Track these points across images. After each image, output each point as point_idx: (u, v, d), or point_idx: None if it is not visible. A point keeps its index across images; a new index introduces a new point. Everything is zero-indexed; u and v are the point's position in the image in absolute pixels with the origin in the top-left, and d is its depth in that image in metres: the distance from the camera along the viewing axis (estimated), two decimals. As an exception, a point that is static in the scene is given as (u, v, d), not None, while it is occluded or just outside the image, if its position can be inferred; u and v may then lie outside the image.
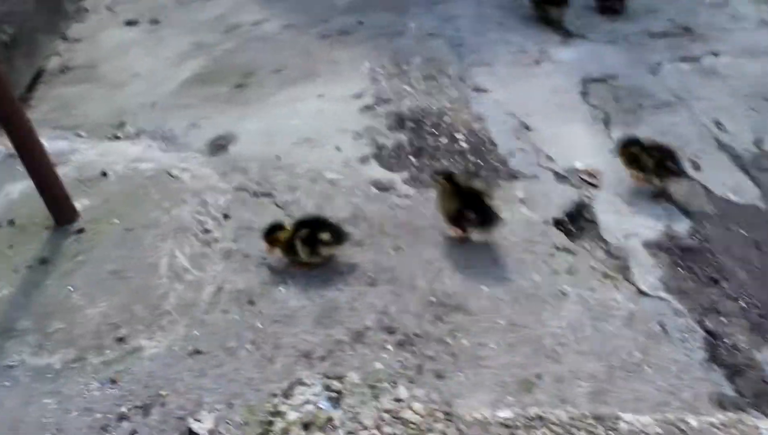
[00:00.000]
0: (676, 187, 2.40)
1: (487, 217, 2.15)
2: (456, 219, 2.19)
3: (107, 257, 2.28)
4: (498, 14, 3.43)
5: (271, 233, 2.16)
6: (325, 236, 2.09)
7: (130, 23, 3.51)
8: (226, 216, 2.36)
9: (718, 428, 1.63)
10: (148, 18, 3.52)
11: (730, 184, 2.50)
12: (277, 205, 2.39)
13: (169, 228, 2.34)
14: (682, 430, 1.64)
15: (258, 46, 3.28)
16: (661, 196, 2.41)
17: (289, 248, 2.13)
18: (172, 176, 2.56)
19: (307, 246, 2.10)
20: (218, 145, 2.76)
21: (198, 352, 1.95)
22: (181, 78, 3.13)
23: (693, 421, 1.65)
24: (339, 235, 2.11)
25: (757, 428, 1.62)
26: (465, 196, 2.17)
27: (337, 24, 3.39)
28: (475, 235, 2.20)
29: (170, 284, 2.15)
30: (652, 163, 2.37)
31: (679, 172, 2.38)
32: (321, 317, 2.02)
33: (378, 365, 1.89)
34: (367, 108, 2.88)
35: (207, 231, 2.32)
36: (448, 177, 2.22)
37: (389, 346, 1.94)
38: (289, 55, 3.21)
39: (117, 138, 2.82)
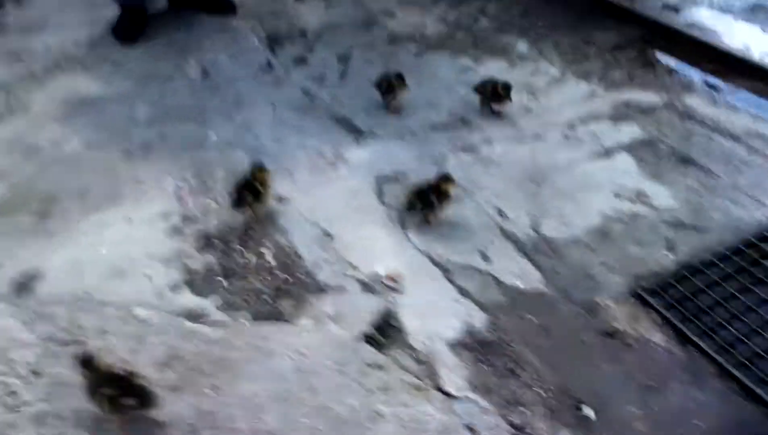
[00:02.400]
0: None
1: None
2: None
3: None
4: (294, 118, 3.36)
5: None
6: (128, 402, 1.90)
7: None
8: (35, 373, 2.11)
9: None
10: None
11: (517, 272, 2.58)
12: (88, 355, 2.15)
13: (-31, 395, 2.06)
14: None
15: (60, 169, 3.01)
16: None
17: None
18: (-30, 332, 2.27)
19: (112, 406, 1.90)
20: (22, 285, 2.48)
21: None
22: (-24, 211, 2.80)
23: None
24: (144, 400, 1.93)
25: None
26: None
27: (140, 138, 3.18)
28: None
29: (-24, 462, 1.88)
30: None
31: None
32: (143, 478, 1.84)
33: None
34: (175, 229, 2.71)
35: (13, 393, 2.05)
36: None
37: (215, 500, 1.79)
38: (93, 176, 2.97)
39: None
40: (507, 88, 3.33)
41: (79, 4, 4.45)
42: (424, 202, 2.69)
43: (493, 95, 3.33)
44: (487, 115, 3.39)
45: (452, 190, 2.72)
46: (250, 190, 2.64)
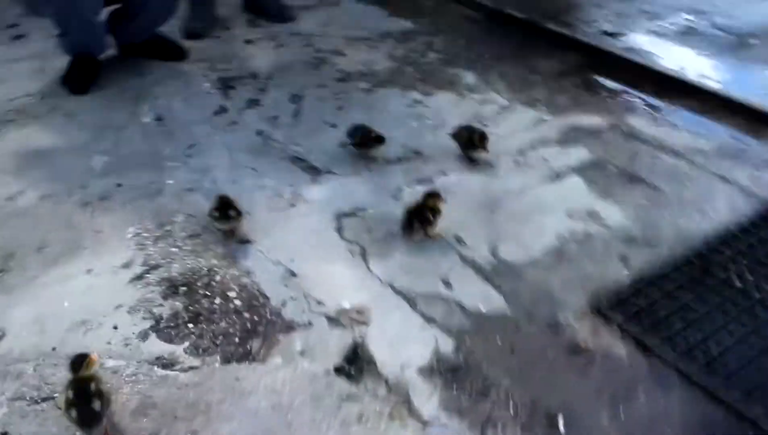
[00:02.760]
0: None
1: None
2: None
3: None
4: (250, 160, 3.40)
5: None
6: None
7: None
8: (5, 434, 2.08)
9: None
10: None
11: (479, 296, 2.64)
12: (60, 409, 2.14)
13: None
14: None
15: (15, 223, 2.98)
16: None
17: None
18: (-70, 400, 2.22)
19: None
20: (-14, 345, 2.45)
21: None
22: (-72, 270, 2.75)
23: None
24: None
25: None
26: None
27: (97, 189, 3.18)
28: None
29: None
30: None
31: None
32: None
33: None
34: (138, 277, 2.71)
35: (-15, 455, 2.03)
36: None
37: None
38: (51, 229, 2.95)
39: None
40: (483, 137, 3.36)
41: (27, 56, 4.44)
42: (421, 219, 2.82)
43: (468, 143, 3.36)
44: (443, 149, 3.46)
45: (442, 205, 2.86)
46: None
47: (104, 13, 4.09)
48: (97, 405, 1.99)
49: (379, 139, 3.39)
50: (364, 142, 3.40)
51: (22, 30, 4.90)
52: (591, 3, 5.19)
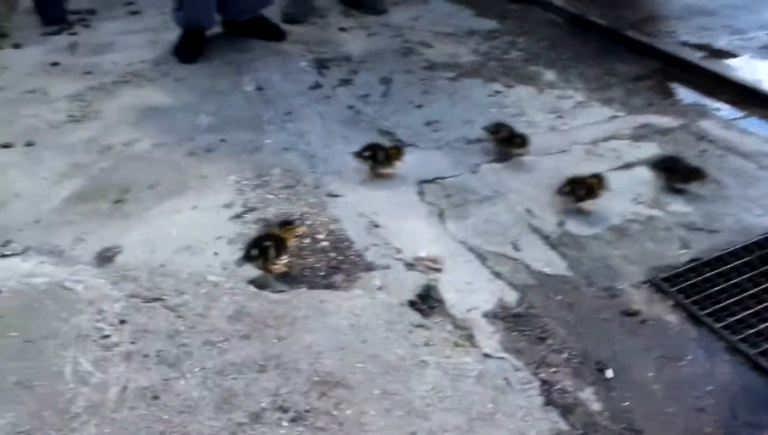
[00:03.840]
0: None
1: None
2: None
3: (9, 369, 2.28)
4: (341, 129, 3.71)
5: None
6: None
7: (6, 146, 3.49)
8: (122, 321, 2.43)
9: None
10: (23, 141, 3.51)
11: (544, 260, 2.87)
12: (168, 308, 2.47)
13: (69, 336, 2.37)
14: (528, 463, 1.88)
15: (132, 164, 3.37)
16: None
17: None
18: (66, 288, 2.59)
19: None
20: (106, 257, 2.81)
21: (111, 448, 2.01)
22: (61, 196, 3.15)
23: (537, 453, 1.90)
24: None
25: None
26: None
27: (203, 142, 3.54)
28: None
29: (77, 389, 2.18)
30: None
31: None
32: (221, 404, 2.14)
33: (276, 440, 2.03)
34: (237, 216, 3.04)
35: (106, 336, 2.37)
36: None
37: (285, 423, 2.08)
38: (162, 171, 3.32)
39: (4, 256, 2.80)
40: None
41: (143, 29, 4.90)
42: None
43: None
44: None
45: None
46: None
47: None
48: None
49: (523, 140, 3.50)
50: (506, 139, 3.51)
51: (138, 7, 5.39)
52: (674, 15, 5.36)
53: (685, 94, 4.30)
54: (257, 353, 2.30)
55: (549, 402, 2.26)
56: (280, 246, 2.69)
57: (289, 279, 2.70)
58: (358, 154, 3.30)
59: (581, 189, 3.14)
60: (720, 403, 2.33)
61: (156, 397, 2.14)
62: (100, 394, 2.16)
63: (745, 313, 2.66)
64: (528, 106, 4.05)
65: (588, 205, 3.16)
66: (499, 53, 4.75)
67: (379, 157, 3.29)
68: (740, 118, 4.03)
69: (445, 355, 2.31)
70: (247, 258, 2.67)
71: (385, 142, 3.54)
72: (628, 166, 3.53)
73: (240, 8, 4.64)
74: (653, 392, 2.35)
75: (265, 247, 2.64)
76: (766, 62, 4.64)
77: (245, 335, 2.36)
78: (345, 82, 4.27)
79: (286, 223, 2.75)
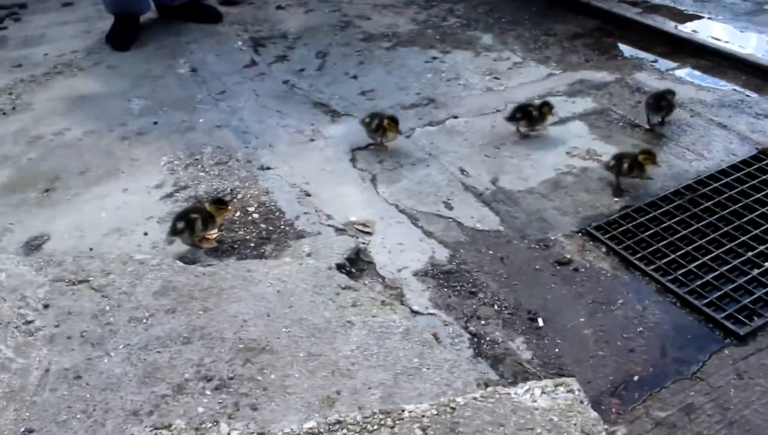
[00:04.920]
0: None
1: None
2: None
3: (-70, 362, 2.22)
4: (276, 104, 3.68)
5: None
6: None
7: (-69, 144, 3.40)
8: (46, 306, 2.38)
9: (478, 400, 1.87)
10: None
11: (477, 217, 2.86)
12: (93, 289, 2.43)
13: (-10, 325, 2.32)
14: (452, 408, 1.86)
15: (61, 153, 3.31)
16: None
17: None
18: (-12, 279, 2.53)
19: None
20: (33, 246, 2.76)
21: (30, 430, 1.96)
22: (-13, 190, 3.08)
23: (460, 400, 1.89)
24: None
25: (508, 394, 1.89)
26: None
27: (135, 126, 3.49)
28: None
29: (-3, 376, 2.14)
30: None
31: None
32: (144, 378, 2.10)
33: (200, 409, 2.00)
34: (168, 196, 3.00)
35: (29, 322, 2.32)
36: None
37: (208, 392, 2.05)
38: (92, 157, 3.27)
39: (-71, 251, 2.73)
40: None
41: (76, 20, 4.81)
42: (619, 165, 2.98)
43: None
44: (456, 97, 3.69)
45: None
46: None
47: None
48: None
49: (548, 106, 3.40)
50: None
51: (71, -2, 5.29)
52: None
53: (621, 49, 4.30)
54: (182, 326, 2.26)
55: (478, 353, 2.26)
56: (208, 220, 2.64)
57: (219, 253, 2.67)
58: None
59: (530, 116, 3.28)
60: (650, 342, 2.33)
61: (78, 377, 2.10)
62: (20, 379, 2.11)
63: (675, 255, 2.67)
64: (464, 69, 4.03)
65: (538, 130, 3.34)
66: (437, 21, 4.72)
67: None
68: (674, 68, 4.04)
69: (372, 314, 2.29)
70: (174, 232, 2.63)
71: (320, 112, 3.52)
72: (563, 120, 3.53)
73: (172, -8, 4.56)
74: (584, 337, 2.35)
75: (191, 219, 2.60)
76: (702, 14, 4.65)
77: (170, 309, 2.32)
78: (281, 58, 4.22)
79: (218, 202, 2.70)
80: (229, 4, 4.95)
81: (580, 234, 2.79)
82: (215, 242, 2.69)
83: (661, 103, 3.39)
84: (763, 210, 2.88)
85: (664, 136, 3.38)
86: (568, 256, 2.67)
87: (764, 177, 3.08)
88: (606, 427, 1.92)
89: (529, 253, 2.68)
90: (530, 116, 3.34)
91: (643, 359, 2.27)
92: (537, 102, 3.40)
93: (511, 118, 3.36)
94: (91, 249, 2.70)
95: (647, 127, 3.42)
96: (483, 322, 2.38)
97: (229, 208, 2.71)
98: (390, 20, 4.73)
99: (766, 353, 2.29)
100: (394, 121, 3.18)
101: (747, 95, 3.72)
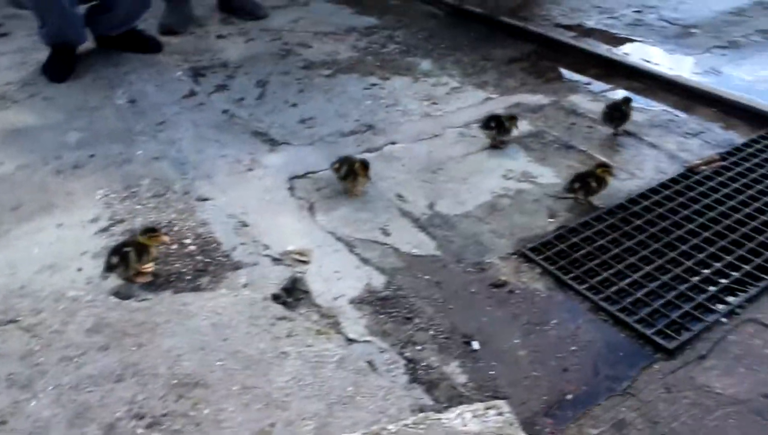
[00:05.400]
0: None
1: None
2: None
3: None
4: (214, 133, 3.67)
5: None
6: None
7: None
8: (-28, 348, 2.33)
9: (410, 427, 1.88)
10: None
11: (413, 242, 2.89)
12: (22, 329, 2.38)
13: None
14: (383, 436, 1.87)
15: (-7, 189, 3.24)
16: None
17: None
18: None
19: None
20: (-41, 285, 2.69)
21: (-46, 479, 1.92)
22: None
23: (392, 427, 1.89)
24: None
25: (439, 419, 1.90)
26: None
27: (70, 159, 3.44)
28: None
29: None
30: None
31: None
32: (74, 419, 2.06)
33: (131, 449, 1.97)
34: (103, 230, 2.96)
35: (-46, 365, 2.27)
36: None
37: (140, 430, 2.03)
38: (26, 192, 3.21)
39: None
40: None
41: (11, 51, 4.73)
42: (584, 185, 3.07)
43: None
44: (395, 123, 3.74)
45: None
46: None
47: (83, 7, 4.38)
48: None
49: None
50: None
51: (6, 29, 5.21)
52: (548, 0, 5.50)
53: (557, 73, 4.40)
54: (115, 363, 2.23)
55: (414, 379, 2.27)
56: (142, 252, 2.62)
57: (154, 286, 2.64)
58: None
59: (502, 126, 3.44)
60: (583, 361, 2.38)
61: (3, 422, 2.06)
62: (-58, 427, 2.06)
63: (607, 273, 2.73)
64: (403, 95, 4.08)
65: (505, 142, 3.50)
66: (377, 47, 4.78)
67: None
68: (608, 90, 4.15)
69: (307, 344, 2.29)
70: (108, 267, 2.60)
71: (258, 141, 3.53)
72: (499, 143, 3.58)
73: (111, 22, 4.53)
74: (519, 359, 2.38)
75: (124, 253, 2.57)
76: (634, 38, 4.80)
77: (103, 346, 2.29)
78: (221, 87, 4.22)
79: (149, 230, 2.68)
80: (169, 34, 4.93)
81: (515, 256, 2.83)
82: (151, 276, 2.66)
83: (615, 113, 3.55)
84: (691, 226, 2.96)
85: (595, 157, 3.45)
86: (504, 278, 2.71)
87: (691, 194, 3.17)
88: (537, 448, 1.96)
89: (465, 276, 2.72)
90: (502, 126, 3.45)
91: (576, 378, 2.32)
92: (504, 114, 3.55)
93: (485, 127, 3.47)
94: (22, 287, 2.64)
95: (577, 147, 3.49)
96: (419, 347, 2.40)
97: (162, 234, 2.68)
98: (331, 48, 4.77)
99: (693, 366, 2.35)
100: (364, 165, 3.11)
101: (676, 115, 3.84)
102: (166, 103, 4.02)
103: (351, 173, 3.12)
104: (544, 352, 2.41)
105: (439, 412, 1.99)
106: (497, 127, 3.48)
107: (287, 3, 5.66)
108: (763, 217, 3.02)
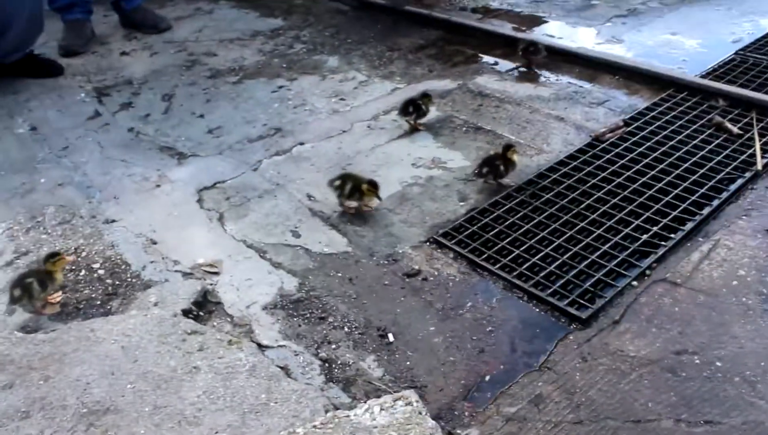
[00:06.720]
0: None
1: None
2: None
3: None
4: (120, 153, 3.61)
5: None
6: None
7: None
8: None
9: (317, 428, 1.89)
10: None
11: (325, 241, 2.89)
12: (-76, 376, 2.31)
13: None
14: (293, 441, 1.88)
15: None
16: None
17: None
18: None
19: None
20: None
21: None
22: None
23: (300, 430, 1.90)
24: None
25: (348, 417, 1.91)
26: None
27: (-31, 196, 3.34)
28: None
29: None
30: None
31: None
32: (-20, 462, 2.02)
33: (40, 486, 1.93)
34: (8, 264, 2.89)
35: None
36: None
37: (49, 465, 1.99)
38: (-75, 235, 3.11)
39: None
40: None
41: None
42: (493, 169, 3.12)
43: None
44: (303, 124, 3.74)
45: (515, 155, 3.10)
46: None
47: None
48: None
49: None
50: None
51: None
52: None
53: (463, 56, 4.45)
54: (20, 400, 2.18)
55: (330, 379, 2.28)
56: (46, 281, 2.57)
57: (63, 316, 2.59)
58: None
59: (419, 109, 3.53)
60: (499, 340, 2.42)
61: None
62: None
63: (519, 250, 2.78)
64: (310, 94, 4.08)
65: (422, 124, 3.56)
66: (284, 49, 4.77)
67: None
68: (513, 69, 4.21)
69: (219, 356, 2.28)
70: (12, 301, 2.54)
71: (166, 156, 3.49)
72: (407, 133, 3.61)
73: (4, 49, 4.40)
74: (435, 346, 2.41)
75: (26, 284, 2.52)
76: (537, 14, 4.88)
77: (8, 384, 2.23)
78: (126, 105, 4.15)
79: (52, 256, 2.63)
80: (70, 55, 4.84)
81: (427, 243, 2.85)
82: (59, 306, 2.61)
83: (410, 107, 3.60)
84: (599, 194, 3.03)
85: (503, 136, 3.50)
86: (416, 267, 2.73)
87: (598, 162, 3.24)
88: (449, 431, 1.98)
89: (378, 269, 2.73)
90: (420, 109, 3.54)
91: (493, 358, 2.35)
92: (417, 96, 3.62)
93: (404, 112, 3.55)
94: None
95: (485, 128, 3.54)
96: (333, 346, 2.40)
97: (65, 256, 2.63)
98: (236, 54, 4.74)
99: (607, 332, 2.40)
100: (373, 185, 3.01)
101: (580, 86, 3.92)
102: (70, 127, 3.93)
103: (356, 192, 3.00)
104: (460, 337, 2.44)
105: (348, 409, 1.99)
106: (415, 111, 3.53)
107: (191, 12, 5.60)
108: (668, 178, 3.10)
